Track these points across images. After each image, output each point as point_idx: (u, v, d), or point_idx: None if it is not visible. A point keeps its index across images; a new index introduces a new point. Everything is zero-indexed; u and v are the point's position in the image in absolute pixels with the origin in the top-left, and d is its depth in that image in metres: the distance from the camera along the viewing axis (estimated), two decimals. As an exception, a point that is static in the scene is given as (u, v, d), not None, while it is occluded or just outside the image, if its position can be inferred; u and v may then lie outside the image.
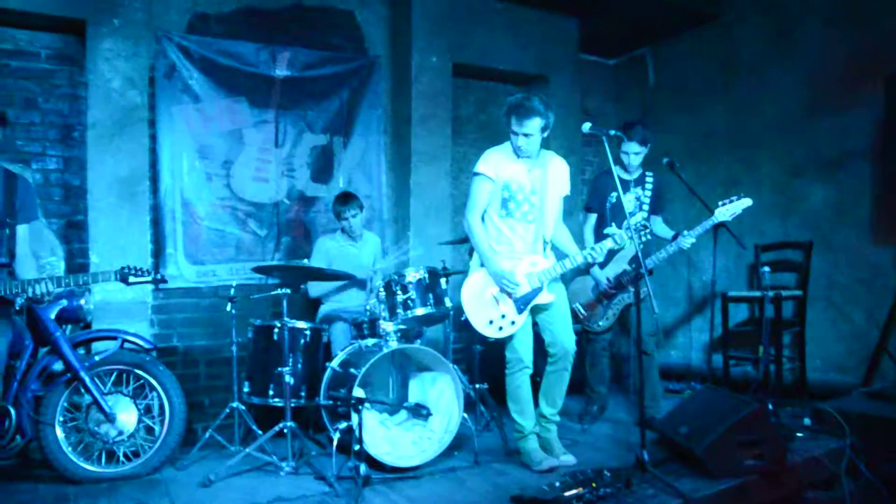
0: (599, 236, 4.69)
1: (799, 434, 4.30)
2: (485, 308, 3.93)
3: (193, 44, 5.01)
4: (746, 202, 4.51)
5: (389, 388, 4.38)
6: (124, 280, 3.65)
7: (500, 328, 3.93)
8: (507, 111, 3.87)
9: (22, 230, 3.24)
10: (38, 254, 4.60)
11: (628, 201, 4.83)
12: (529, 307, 3.94)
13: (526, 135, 3.83)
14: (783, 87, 5.84)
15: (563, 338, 4.02)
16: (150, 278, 3.70)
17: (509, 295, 3.91)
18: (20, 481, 3.87)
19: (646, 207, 4.89)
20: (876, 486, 4.02)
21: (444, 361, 4.17)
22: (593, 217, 5.00)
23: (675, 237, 4.75)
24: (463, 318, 3.98)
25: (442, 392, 4.24)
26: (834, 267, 5.52)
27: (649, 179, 4.92)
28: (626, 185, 4.87)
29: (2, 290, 3.21)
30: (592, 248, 3.94)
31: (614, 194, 4.82)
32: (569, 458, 4.04)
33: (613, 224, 4.79)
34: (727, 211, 4.50)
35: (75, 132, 4.78)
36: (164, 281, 4.04)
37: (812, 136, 5.63)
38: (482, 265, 4.01)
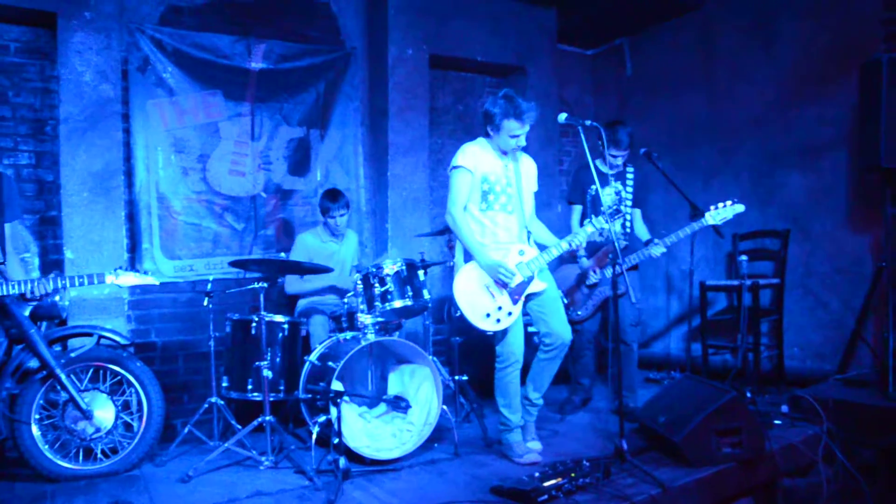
0: None
1: (777, 421, 4.35)
2: (480, 302, 3.87)
3: (167, 36, 4.95)
4: (739, 208, 4.46)
5: (368, 381, 4.37)
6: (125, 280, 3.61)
7: (498, 320, 3.87)
8: (500, 117, 3.80)
9: (7, 229, 3.19)
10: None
11: (607, 195, 4.84)
12: (523, 297, 3.93)
13: (525, 134, 3.85)
14: (762, 77, 5.87)
15: (560, 328, 3.99)
16: (151, 278, 3.67)
17: (504, 286, 3.88)
18: (-4, 480, 3.84)
19: (628, 202, 4.88)
20: (852, 473, 4.07)
21: (423, 354, 4.17)
22: (578, 209, 5.01)
23: (647, 243, 4.77)
24: (458, 315, 3.91)
25: (421, 384, 4.24)
26: (811, 255, 5.57)
27: (630, 174, 4.92)
28: (605, 179, 4.87)
29: (3, 290, 3.15)
30: (574, 234, 3.94)
31: (594, 187, 4.84)
32: (535, 445, 4.05)
33: (593, 216, 4.79)
34: (718, 215, 4.46)
35: (47, 127, 4.71)
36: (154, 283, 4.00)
37: (790, 124, 5.67)
38: (468, 259, 3.97)
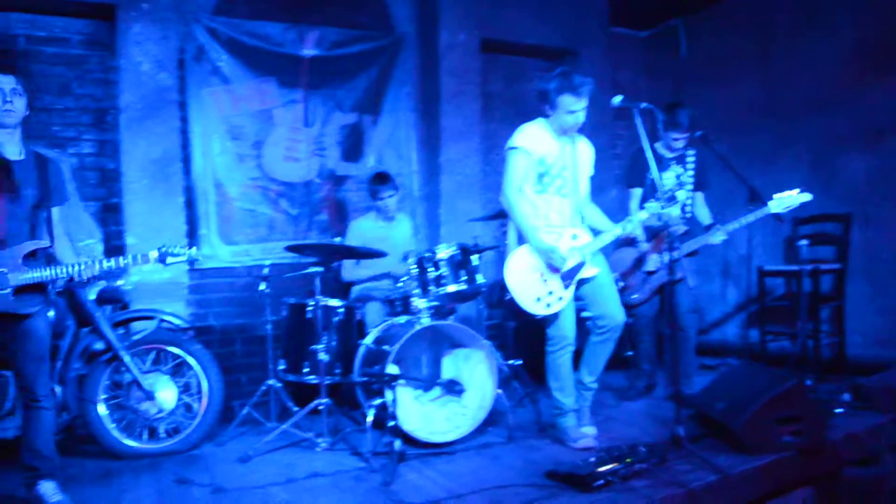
0: None
1: (838, 410, 4.24)
2: (531, 285, 3.85)
3: (221, 25, 5.03)
4: (805, 197, 4.32)
5: (423, 364, 4.39)
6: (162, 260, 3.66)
7: (549, 304, 3.85)
8: (555, 94, 3.75)
9: (56, 212, 3.29)
10: (76, 236, 4.69)
11: (667, 179, 4.74)
12: (575, 281, 3.89)
13: (583, 109, 3.79)
14: (822, 58, 5.69)
15: (613, 310, 3.95)
16: (185, 257, 3.70)
17: (556, 270, 3.85)
18: (68, 456, 3.94)
19: (688, 186, 4.78)
20: (918, 462, 3.97)
21: (478, 337, 4.17)
22: (637, 192, 4.86)
23: (707, 228, 4.67)
24: (507, 298, 3.90)
25: (476, 368, 4.25)
26: (874, 240, 5.40)
27: (691, 157, 4.82)
28: (666, 163, 4.77)
29: (51, 275, 3.25)
30: (628, 220, 3.88)
31: (653, 170, 4.75)
32: (590, 430, 4.02)
33: (652, 200, 4.72)
34: (783, 203, 4.33)
35: (108, 116, 4.84)
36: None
37: (854, 106, 5.48)
38: (521, 242, 3.94)
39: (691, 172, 4.79)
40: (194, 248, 3.61)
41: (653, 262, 4.69)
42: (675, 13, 6.86)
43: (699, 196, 4.88)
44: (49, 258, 3.30)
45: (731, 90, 6.43)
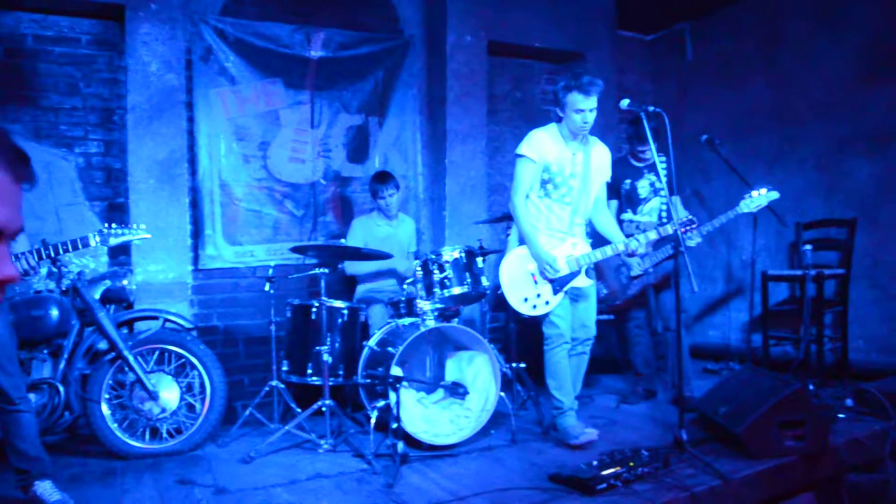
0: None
1: (841, 415, 4.24)
2: (522, 286, 3.94)
3: (229, 26, 5.04)
4: (773, 195, 4.37)
5: (426, 366, 4.40)
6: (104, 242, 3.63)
7: (535, 306, 3.95)
8: (564, 91, 3.82)
9: None
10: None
11: (642, 187, 4.86)
12: (565, 290, 3.94)
13: (591, 110, 3.83)
14: (828, 63, 5.68)
15: (591, 323, 4.14)
16: (128, 236, 3.66)
17: (548, 276, 3.91)
18: (70, 455, 3.99)
19: (663, 193, 4.82)
20: (921, 469, 3.96)
21: (482, 340, 4.18)
22: (614, 203, 4.94)
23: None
24: (499, 292, 4.02)
25: (479, 371, 4.26)
26: (879, 245, 5.39)
27: (662, 163, 4.85)
28: (639, 172, 4.87)
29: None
30: (636, 239, 3.94)
31: (627, 181, 4.85)
32: (591, 430, 4.04)
33: (629, 210, 4.79)
34: (753, 203, 4.37)
35: (115, 116, 4.86)
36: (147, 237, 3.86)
37: (858, 111, 5.48)
38: (521, 243, 4.02)
39: (664, 179, 4.81)
40: (141, 226, 3.63)
41: (636, 266, 4.72)
42: (681, 17, 6.86)
43: (676, 200, 4.91)
44: None
45: (737, 94, 6.43)
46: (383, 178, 5.00)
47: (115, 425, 3.95)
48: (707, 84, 6.75)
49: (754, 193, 4.38)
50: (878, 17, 5.36)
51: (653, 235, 3.99)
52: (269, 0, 5.24)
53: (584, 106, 3.80)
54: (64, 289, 3.86)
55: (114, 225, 3.66)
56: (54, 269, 3.85)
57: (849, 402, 4.42)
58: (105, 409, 3.92)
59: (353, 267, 5.07)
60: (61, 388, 3.82)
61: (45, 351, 3.92)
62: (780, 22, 6.07)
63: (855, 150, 5.53)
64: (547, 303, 3.94)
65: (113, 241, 3.56)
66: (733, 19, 6.49)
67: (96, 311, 3.86)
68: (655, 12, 6.74)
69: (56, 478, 3.27)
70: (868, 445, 3.96)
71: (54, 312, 3.86)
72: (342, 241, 5.15)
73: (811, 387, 4.54)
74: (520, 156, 3.95)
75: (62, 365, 3.87)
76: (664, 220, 4.87)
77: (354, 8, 5.53)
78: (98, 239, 3.54)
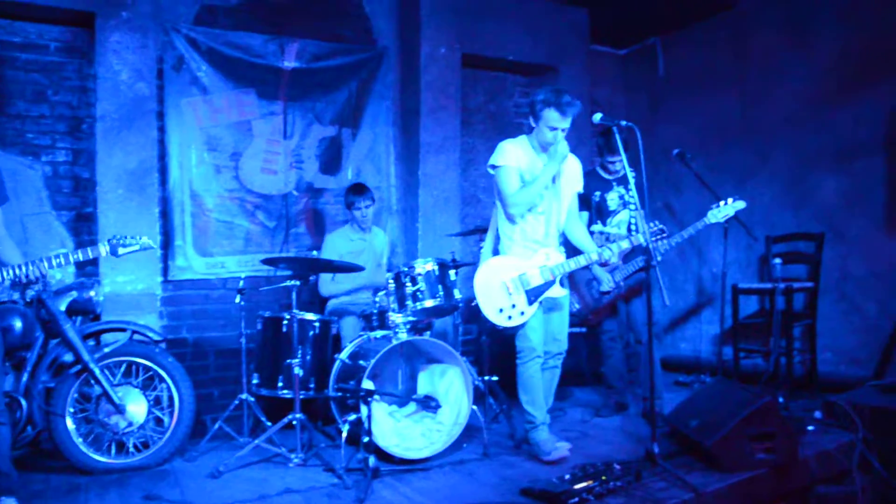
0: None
1: (810, 427, 4.28)
2: (496, 296, 3.90)
3: (201, 35, 5.00)
4: (740, 205, 4.42)
5: (398, 380, 4.37)
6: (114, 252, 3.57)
7: (510, 317, 3.92)
8: (542, 105, 3.81)
9: None
10: (47, 246, 4.62)
11: (612, 199, 4.89)
12: (540, 300, 3.93)
13: (564, 129, 3.84)
14: (797, 78, 5.78)
15: (563, 337, 4.13)
16: (137, 247, 3.57)
17: (523, 286, 3.89)
18: (32, 471, 3.88)
19: (633, 205, 4.85)
20: (888, 481, 4.00)
21: (454, 353, 4.16)
22: (585, 215, 4.93)
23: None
24: (473, 304, 3.99)
25: (451, 384, 4.24)
26: (847, 259, 5.47)
27: (632, 175, 4.88)
28: (608, 185, 4.90)
29: None
30: (608, 248, 3.96)
31: (597, 193, 4.88)
32: (563, 444, 4.04)
33: (599, 223, 4.83)
34: (720, 213, 4.40)
35: (84, 125, 4.79)
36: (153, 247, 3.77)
37: (826, 126, 5.57)
38: (495, 253, 4.03)
39: (633, 192, 4.85)
40: (146, 238, 3.58)
41: (606, 282, 4.73)
42: (653, 32, 6.94)
43: (641, 214, 4.95)
44: None
45: (708, 108, 6.51)
46: (360, 190, 4.97)
47: (80, 440, 3.86)
48: (679, 98, 6.82)
49: (721, 203, 4.43)
50: (845, 31, 5.46)
51: (625, 245, 4.02)
52: (243, 10, 5.21)
53: (559, 125, 3.82)
54: (28, 300, 3.78)
55: (120, 235, 3.58)
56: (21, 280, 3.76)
57: (818, 414, 4.47)
58: (70, 423, 3.83)
59: (327, 288, 5.00)
60: (24, 402, 3.73)
61: (8, 364, 3.81)
62: (750, 37, 6.17)
63: (823, 164, 5.62)
64: (522, 313, 3.92)
65: (122, 252, 3.50)
66: (705, 34, 6.58)
67: (62, 323, 3.77)
68: (628, 27, 6.82)
69: (19, 494, 3.19)
70: (837, 457, 4.00)
71: (17, 324, 3.76)
72: (314, 252, 5.11)
73: (781, 399, 4.57)
74: (498, 166, 3.93)
75: (25, 378, 3.79)
76: (633, 233, 4.90)
77: (328, 19, 5.51)
78: (107, 249, 3.47)
